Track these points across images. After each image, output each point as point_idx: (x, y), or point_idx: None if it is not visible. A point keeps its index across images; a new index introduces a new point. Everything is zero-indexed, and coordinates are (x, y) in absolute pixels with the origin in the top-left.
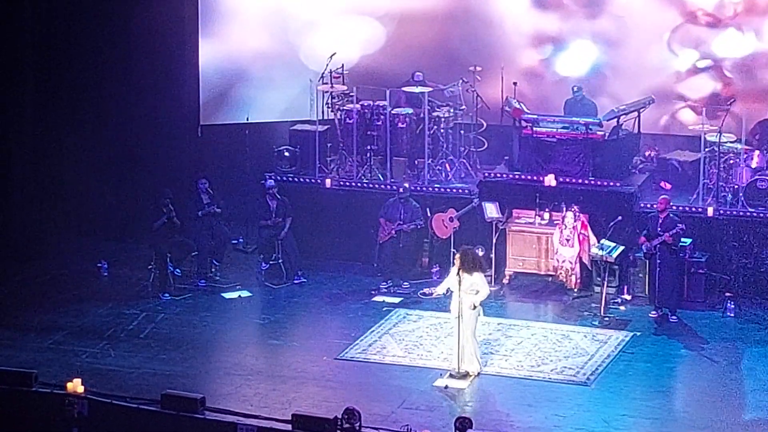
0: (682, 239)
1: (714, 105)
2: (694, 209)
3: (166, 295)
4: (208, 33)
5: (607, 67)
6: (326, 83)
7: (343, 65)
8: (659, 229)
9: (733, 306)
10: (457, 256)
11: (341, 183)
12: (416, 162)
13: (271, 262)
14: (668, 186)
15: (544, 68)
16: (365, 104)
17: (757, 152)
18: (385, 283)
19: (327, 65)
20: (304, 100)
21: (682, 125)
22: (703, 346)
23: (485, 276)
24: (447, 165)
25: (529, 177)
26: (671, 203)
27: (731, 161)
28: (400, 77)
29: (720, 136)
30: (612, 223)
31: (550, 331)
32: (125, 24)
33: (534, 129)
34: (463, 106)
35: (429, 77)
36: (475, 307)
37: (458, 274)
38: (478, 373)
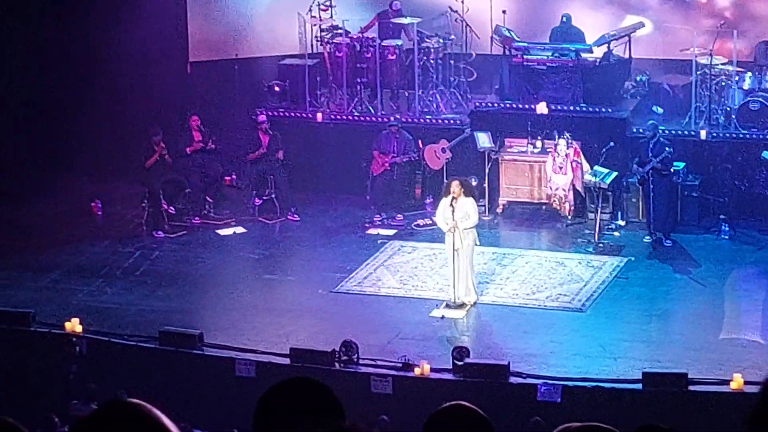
0: (675, 163)
1: (706, 28)
2: (686, 133)
3: (160, 232)
4: None
5: None
6: (314, 16)
7: None
8: (650, 154)
9: (727, 228)
10: (455, 183)
11: (332, 117)
12: (406, 93)
13: (264, 198)
14: (660, 110)
15: None
16: (354, 37)
17: (749, 74)
18: (378, 216)
19: None
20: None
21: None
22: (697, 269)
23: (478, 205)
24: (437, 96)
25: (520, 105)
26: (660, 127)
27: (723, 83)
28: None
29: (711, 58)
30: (604, 149)
31: (544, 258)
32: None
33: (524, 57)
34: (452, 36)
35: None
36: (457, 225)
37: (452, 204)
38: (474, 303)
